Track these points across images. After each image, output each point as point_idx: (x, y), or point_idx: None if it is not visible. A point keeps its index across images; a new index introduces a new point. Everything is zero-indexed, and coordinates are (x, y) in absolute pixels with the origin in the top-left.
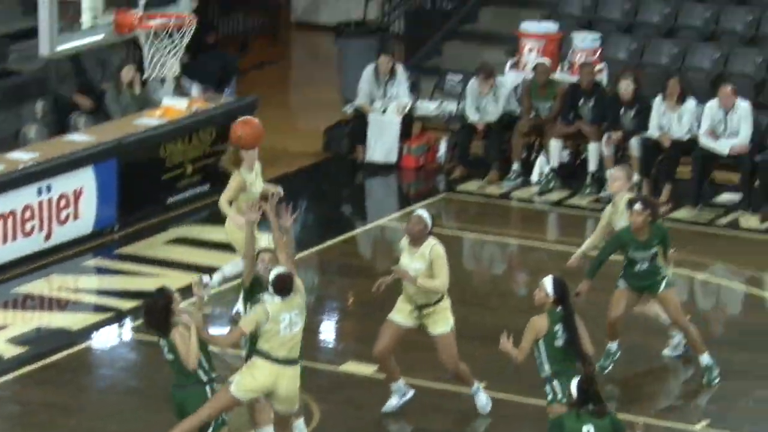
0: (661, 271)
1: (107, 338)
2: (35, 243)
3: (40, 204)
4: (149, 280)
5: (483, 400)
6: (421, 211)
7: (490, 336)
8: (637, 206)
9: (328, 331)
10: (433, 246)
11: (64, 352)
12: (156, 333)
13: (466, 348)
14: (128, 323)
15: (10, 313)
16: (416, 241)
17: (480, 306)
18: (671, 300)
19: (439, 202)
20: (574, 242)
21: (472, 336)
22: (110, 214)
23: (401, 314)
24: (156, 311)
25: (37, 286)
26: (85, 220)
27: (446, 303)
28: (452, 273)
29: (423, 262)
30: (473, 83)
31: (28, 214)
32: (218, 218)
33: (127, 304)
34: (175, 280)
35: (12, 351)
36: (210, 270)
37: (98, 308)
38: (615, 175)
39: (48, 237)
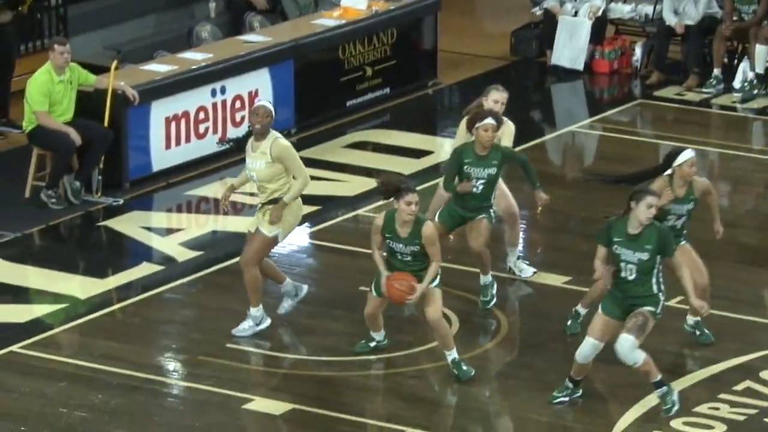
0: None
1: (287, 243)
2: (209, 145)
3: (214, 105)
4: (327, 185)
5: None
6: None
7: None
8: (491, 121)
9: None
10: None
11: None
12: None
13: None
14: (306, 228)
15: (184, 216)
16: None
17: None
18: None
19: (633, 108)
20: None
21: None
22: (287, 117)
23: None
24: None
25: (211, 190)
26: None
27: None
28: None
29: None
30: None
31: (201, 115)
32: (399, 123)
33: (304, 209)
34: (354, 185)
35: (186, 255)
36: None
37: None
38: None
39: (222, 140)
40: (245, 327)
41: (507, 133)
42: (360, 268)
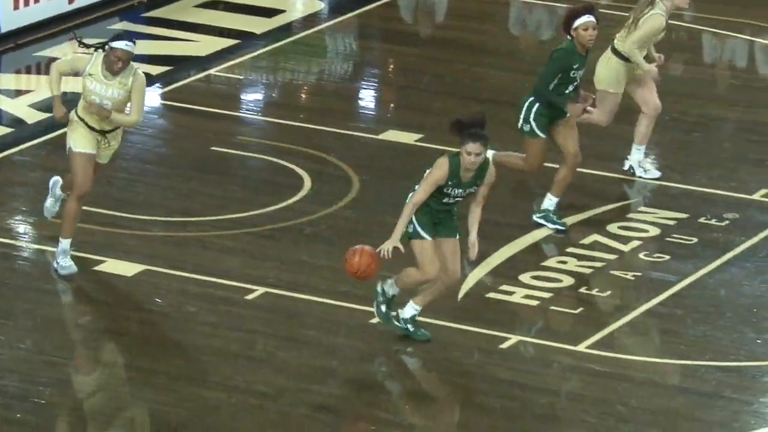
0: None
1: None
2: (58, 5)
3: None
4: (179, 45)
5: None
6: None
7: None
8: (591, 18)
9: (368, 99)
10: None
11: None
12: None
13: (507, 112)
14: (157, 89)
15: (33, 77)
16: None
17: (529, 73)
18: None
19: None
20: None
21: (516, 104)
22: None
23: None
24: None
25: (61, 50)
26: None
27: None
28: (501, 41)
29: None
30: None
31: None
32: None
33: (155, 70)
34: (206, 45)
35: (35, 116)
36: (239, 34)
37: None
38: None
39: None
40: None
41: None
42: (211, 129)
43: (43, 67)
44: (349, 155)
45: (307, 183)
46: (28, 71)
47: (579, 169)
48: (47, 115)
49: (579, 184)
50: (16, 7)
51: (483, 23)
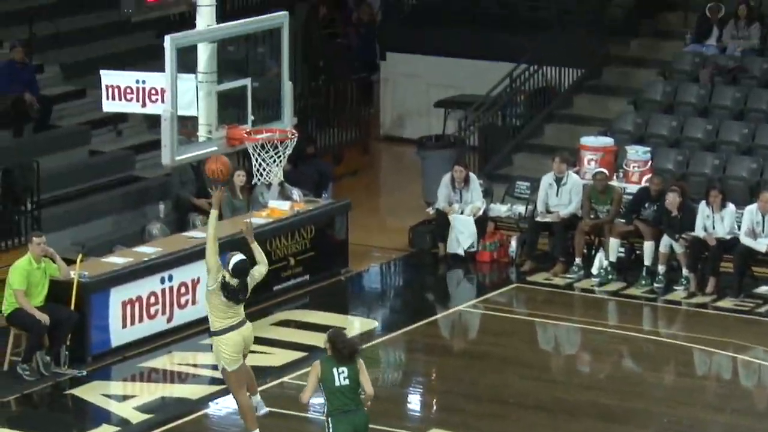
0: None
1: (223, 406)
2: (159, 324)
3: (163, 291)
4: (257, 357)
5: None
6: None
7: (555, 408)
8: None
9: (414, 401)
10: None
11: (185, 419)
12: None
13: (531, 416)
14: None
15: (137, 384)
16: None
17: (549, 381)
18: None
19: (511, 291)
20: (631, 327)
21: (539, 407)
22: None
23: None
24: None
25: (160, 362)
26: (202, 305)
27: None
28: (525, 354)
29: None
30: (546, 177)
31: (152, 299)
32: (317, 304)
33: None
34: (280, 357)
35: (139, 417)
36: (308, 347)
37: (214, 380)
38: None
39: (170, 319)
40: None
41: None
42: (288, 428)
43: (145, 375)
44: None
45: None
46: (133, 379)
47: None
48: (149, 416)
49: None
50: (124, 326)
51: (506, 339)
